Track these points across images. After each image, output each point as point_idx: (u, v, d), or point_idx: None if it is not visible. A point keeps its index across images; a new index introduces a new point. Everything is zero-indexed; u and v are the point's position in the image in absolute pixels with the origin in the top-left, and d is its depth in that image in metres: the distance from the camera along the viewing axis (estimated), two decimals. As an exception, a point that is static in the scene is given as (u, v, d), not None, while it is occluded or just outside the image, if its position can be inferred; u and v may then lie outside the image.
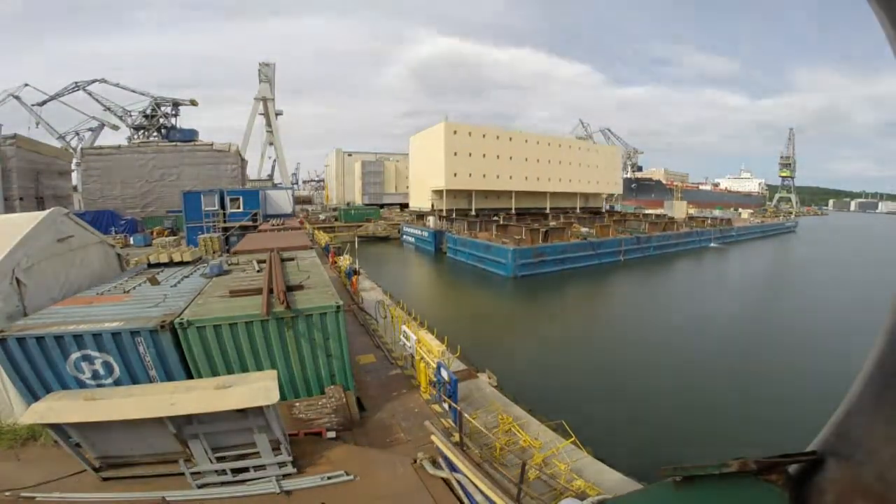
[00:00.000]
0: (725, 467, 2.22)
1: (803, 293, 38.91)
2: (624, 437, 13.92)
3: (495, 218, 58.38)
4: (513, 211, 68.87)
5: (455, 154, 62.00)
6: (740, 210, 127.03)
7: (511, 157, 68.63)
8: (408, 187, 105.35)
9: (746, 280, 44.75)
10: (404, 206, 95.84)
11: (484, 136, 65.30)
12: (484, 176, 65.47)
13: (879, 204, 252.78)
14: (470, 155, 63.46)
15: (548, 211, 73.05)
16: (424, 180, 67.94)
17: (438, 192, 64.67)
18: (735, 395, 17.41)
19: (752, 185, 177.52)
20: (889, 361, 2.06)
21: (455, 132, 62.24)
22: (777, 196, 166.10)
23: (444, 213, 62.89)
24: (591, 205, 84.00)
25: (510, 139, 68.72)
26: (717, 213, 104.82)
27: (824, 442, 2.17)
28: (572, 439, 10.21)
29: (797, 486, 2.10)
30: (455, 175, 62.22)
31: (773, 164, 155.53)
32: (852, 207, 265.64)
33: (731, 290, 39.71)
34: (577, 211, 77.34)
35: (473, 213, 64.74)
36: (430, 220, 62.02)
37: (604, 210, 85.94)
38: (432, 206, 65.81)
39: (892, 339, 2.07)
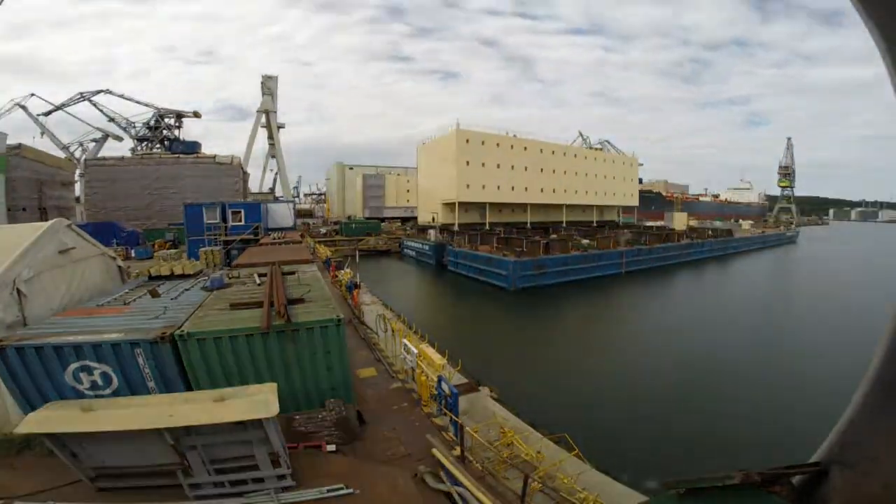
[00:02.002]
0: (729, 479, 2.21)
1: (804, 303, 38.76)
2: (628, 449, 13.79)
3: (497, 231, 56.68)
4: (528, 225, 65.25)
5: (467, 164, 58.70)
6: (741, 221, 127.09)
7: (526, 168, 65.10)
8: (408, 201, 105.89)
9: (748, 291, 44.60)
10: (405, 219, 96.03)
11: (498, 144, 62.38)
12: (498, 188, 62.12)
13: (880, 213, 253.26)
14: (483, 165, 60.16)
15: (564, 225, 69.51)
16: (434, 193, 64.54)
17: (449, 206, 61.26)
18: (738, 406, 17.27)
19: (751, 196, 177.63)
20: (890, 372, 2.06)
21: (468, 140, 58.95)
22: (777, 206, 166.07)
23: (457, 229, 58.75)
24: (605, 218, 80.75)
25: (525, 148, 65.46)
26: (717, 224, 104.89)
27: (828, 452, 2.16)
28: (575, 452, 10.11)
29: (801, 497, 2.09)
30: (468, 187, 58.92)
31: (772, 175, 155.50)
32: (853, 217, 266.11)
33: (732, 301, 39.55)
34: (594, 224, 74.05)
35: (487, 227, 61.00)
36: (431, 234, 61.67)
37: (619, 223, 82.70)
38: (433, 219, 64.52)
39: (892, 349, 2.08)
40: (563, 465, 9.70)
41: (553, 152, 68.98)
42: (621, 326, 31.39)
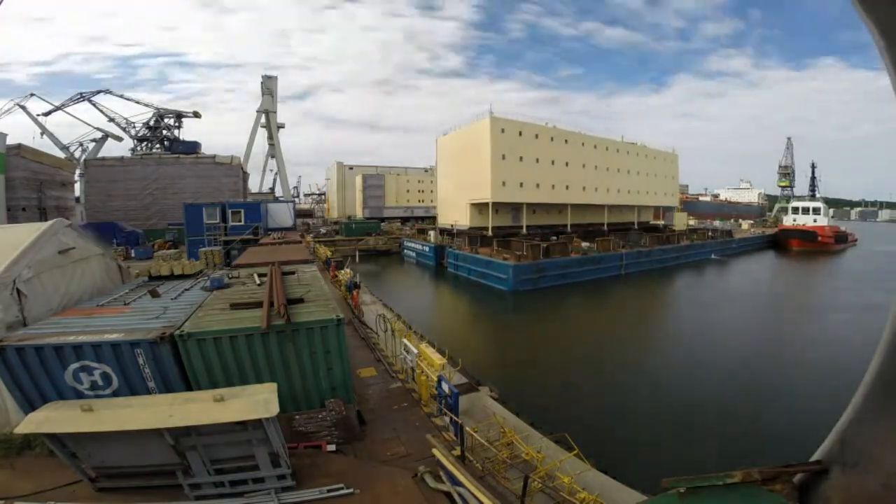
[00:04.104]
0: (729, 478, 2.22)
1: (805, 303, 38.78)
2: (628, 448, 13.80)
3: (535, 235, 51.70)
4: (569, 229, 57.77)
5: (503, 158, 50.15)
6: (740, 221, 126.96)
7: (567, 163, 57.02)
8: (408, 201, 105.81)
9: (747, 291, 44.58)
10: (406, 219, 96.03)
11: (537, 136, 53.66)
12: (537, 186, 53.64)
13: (879, 212, 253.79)
14: (521, 159, 51.82)
15: (605, 227, 61.83)
16: (459, 192, 56.24)
17: (477, 207, 53.94)
18: (738, 405, 17.27)
19: (751, 196, 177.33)
20: (890, 371, 2.07)
21: (503, 130, 50.27)
22: (777, 206, 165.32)
23: (490, 234, 50.66)
24: (641, 219, 72.63)
25: (566, 141, 57.09)
26: (717, 224, 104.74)
27: (829, 451, 2.16)
28: (575, 452, 10.09)
29: (802, 495, 2.09)
30: (503, 185, 50.38)
31: (771, 174, 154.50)
32: (852, 216, 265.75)
33: (731, 301, 39.54)
34: (636, 227, 66.77)
35: (524, 231, 53.15)
36: (431, 235, 61.07)
37: (661, 225, 74.88)
38: (430, 221, 62.64)
39: (892, 348, 2.08)
40: (563, 465, 9.69)
41: (595, 146, 61.15)
42: (620, 327, 31.39)
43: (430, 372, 11.64)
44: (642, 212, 72.96)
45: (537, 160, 53.70)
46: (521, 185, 52.42)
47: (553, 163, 55.57)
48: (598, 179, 61.69)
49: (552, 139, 55.71)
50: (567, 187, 57.71)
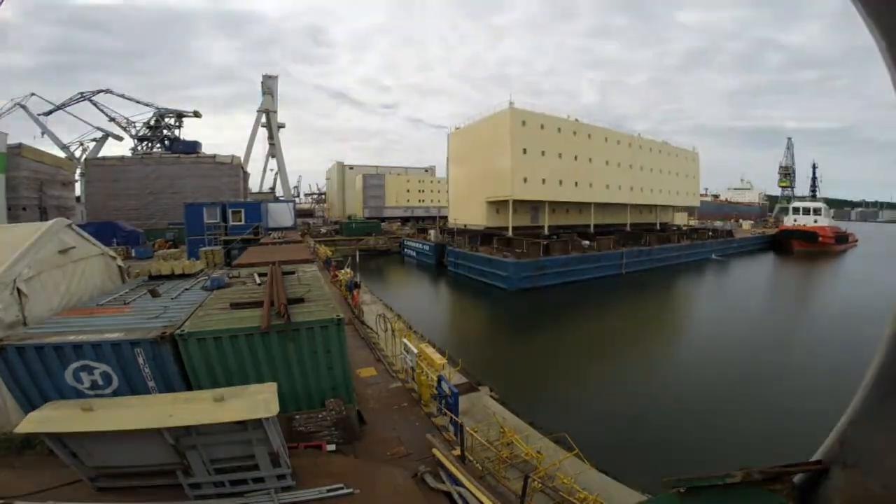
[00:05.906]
0: (730, 478, 2.22)
1: (804, 303, 38.78)
2: (627, 448, 13.80)
3: (555, 236, 48.73)
4: (591, 229, 54.75)
5: (524, 152, 47.01)
6: (741, 221, 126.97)
7: (591, 159, 53.98)
8: (408, 201, 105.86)
9: (747, 291, 44.58)
10: (406, 219, 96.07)
11: (559, 129, 50.47)
12: (560, 183, 50.42)
13: (880, 212, 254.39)
14: (543, 154, 48.58)
15: (628, 228, 59.63)
16: (473, 189, 53.14)
17: (495, 205, 50.78)
18: (739, 405, 17.27)
19: (752, 196, 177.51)
20: (890, 370, 2.06)
21: (524, 122, 47.21)
22: (777, 207, 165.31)
23: (511, 235, 47.41)
24: (660, 219, 69.88)
25: (589, 136, 53.94)
26: (718, 224, 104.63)
27: (829, 451, 2.16)
28: (575, 452, 10.11)
29: (803, 495, 2.09)
30: (525, 181, 47.21)
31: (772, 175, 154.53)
32: (853, 217, 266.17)
33: (731, 301, 39.56)
34: (658, 227, 64.58)
35: (546, 232, 49.76)
36: (431, 234, 61.23)
37: (682, 227, 71.83)
38: (430, 221, 62.88)
39: (892, 348, 2.08)
40: (563, 465, 9.71)
41: (619, 142, 58.29)
42: (620, 326, 31.39)
43: (430, 372, 11.66)
44: (661, 212, 70.35)
45: (560, 155, 50.52)
46: (544, 181, 49.26)
47: (576, 158, 52.47)
48: (623, 177, 58.95)
49: (575, 133, 52.56)
50: (591, 185, 54.56)
